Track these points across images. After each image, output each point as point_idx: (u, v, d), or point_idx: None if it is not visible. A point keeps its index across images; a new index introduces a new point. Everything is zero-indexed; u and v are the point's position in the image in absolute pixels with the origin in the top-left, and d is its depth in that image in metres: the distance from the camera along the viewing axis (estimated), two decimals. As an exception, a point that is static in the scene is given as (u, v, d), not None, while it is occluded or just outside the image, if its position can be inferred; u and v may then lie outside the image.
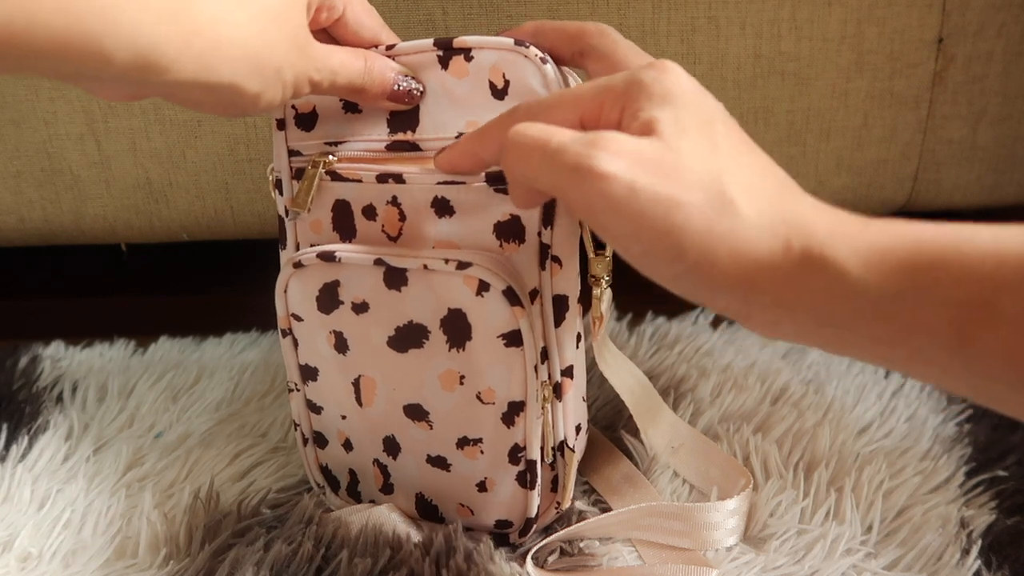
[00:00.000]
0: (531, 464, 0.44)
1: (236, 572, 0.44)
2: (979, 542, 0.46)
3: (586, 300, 0.45)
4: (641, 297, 0.69)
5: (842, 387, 0.60)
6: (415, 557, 0.44)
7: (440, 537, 0.45)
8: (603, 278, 0.44)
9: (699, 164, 0.31)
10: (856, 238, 0.29)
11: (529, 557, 0.45)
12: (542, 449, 0.45)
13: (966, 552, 0.46)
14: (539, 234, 0.42)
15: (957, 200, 0.67)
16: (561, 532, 0.47)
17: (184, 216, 0.66)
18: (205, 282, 0.68)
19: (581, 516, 0.48)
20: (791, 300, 0.30)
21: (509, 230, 0.42)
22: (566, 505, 0.47)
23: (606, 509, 0.50)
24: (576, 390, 0.46)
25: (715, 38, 0.59)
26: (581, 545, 0.47)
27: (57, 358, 0.67)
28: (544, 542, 0.47)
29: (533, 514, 0.46)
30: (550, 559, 0.46)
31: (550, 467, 0.46)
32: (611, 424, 0.56)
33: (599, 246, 0.43)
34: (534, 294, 0.43)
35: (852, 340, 0.30)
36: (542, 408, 0.43)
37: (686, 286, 0.32)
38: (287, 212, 0.46)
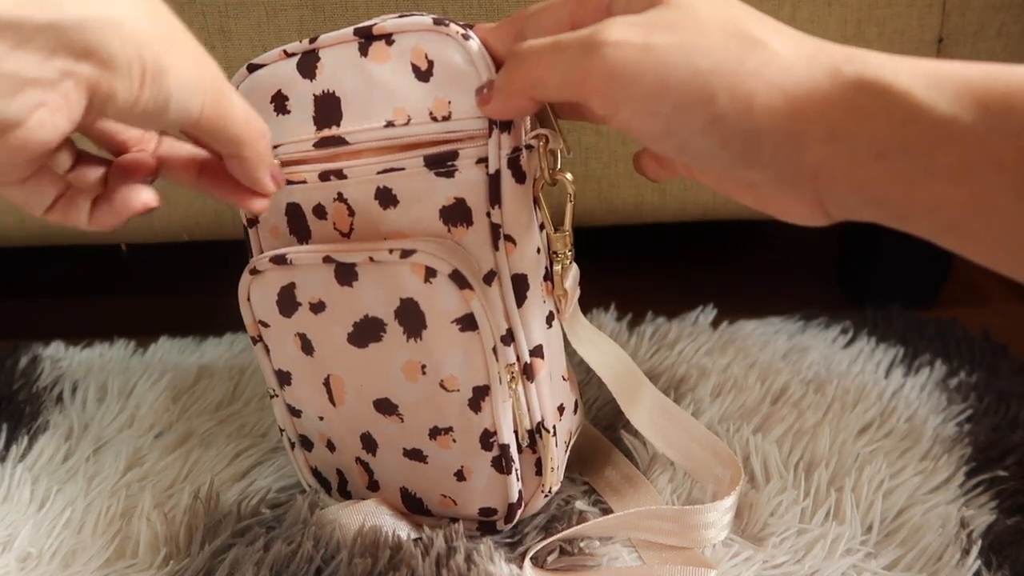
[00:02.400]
0: (504, 448, 0.44)
1: (236, 572, 0.44)
2: (979, 542, 0.46)
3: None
4: (641, 297, 0.69)
5: (842, 387, 0.60)
6: (415, 557, 0.44)
7: (440, 537, 0.45)
8: (563, 253, 0.43)
9: (715, 13, 0.30)
10: (917, 64, 0.27)
11: (528, 559, 0.45)
12: (516, 433, 0.44)
13: (966, 552, 0.46)
14: (488, 214, 0.41)
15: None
16: (560, 534, 0.47)
17: (184, 216, 0.66)
18: (205, 282, 0.69)
19: (581, 516, 0.48)
20: (847, 128, 0.27)
21: (455, 213, 0.41)
22: (553, 488, 0.46)
23: (606, 509, 0.50)
24: (551, 369, 0.45)
25: (715, 38, 0.59)
26: (581, 545, 0.47)
27: (57, 358, 0.67)
28: (543, 543, 0.47)
29: (514, 499, 0.45)
30: (550, 559, 0.46)
31: (531, 450, 0.46)
32: (611, 424, 0.56)
33: (558, 224, 0.43)
34: (491, 276, 0.42)
35: (910, 177, 0.27)
36: (510, 391, 0.43)
37: (724, 136, 0.29)
38: (248, 221, 0.47)
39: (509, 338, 0.42)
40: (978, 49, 0.61)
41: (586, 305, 0.68)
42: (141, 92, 0.32)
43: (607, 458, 0.53)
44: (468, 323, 0.41)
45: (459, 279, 0.40)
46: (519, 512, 0.46)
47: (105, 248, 0.72)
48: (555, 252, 0.43)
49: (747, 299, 0.74)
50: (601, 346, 0.49)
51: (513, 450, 0.44)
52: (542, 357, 0.44)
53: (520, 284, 0.42)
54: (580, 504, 0.49)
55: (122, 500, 0.51)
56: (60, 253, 0.76)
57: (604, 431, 0.56)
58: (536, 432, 0.45)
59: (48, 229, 0.67)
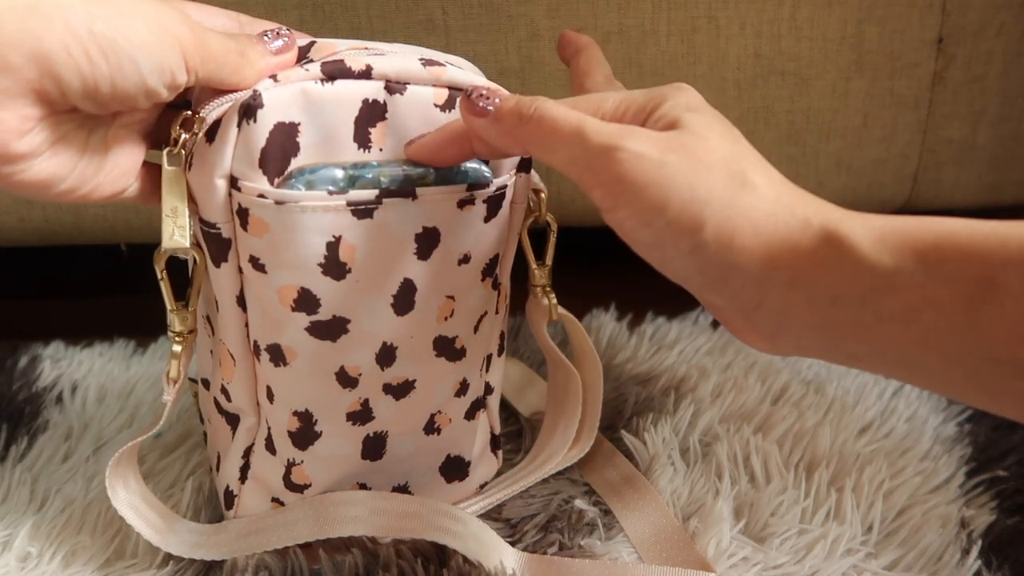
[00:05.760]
0: None
1: (236, 572, 0.44)
2: (979, 542, 0.46)
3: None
4: (641, 297, 0.69)
5: (842, 387, 0.60)
6: (414, 558, 0.44)
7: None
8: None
9: (722, 148, 0.33)
10: (869, 220, 0.31)
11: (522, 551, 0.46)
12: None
13: (966, 552, 0.46)
14: None
15: (957, 200, 0.67)
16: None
17: (184, 216, 0.66)
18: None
19: (580, 516, 0.48)
20: (807, 277, 0.31)
21: None
22: None
23: (606, 510, 0.50)
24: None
25: (715, 38, 0.59)
26: (581, 543, 0.47)
27: (57, 358, 0.67)
28: (540, 537, 0.47)
29: None
30: (549, 551, 0.46)
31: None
32: (611, 424, 0.56)
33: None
34: None
35: (862, 321, 0.30)
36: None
37: (703, 262, 0.32)
38: None
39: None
40: (978, 49, 0.61)
41: (586, 305, 0.68)
42: (94, 68, 0.32)
43: (607, 458, 0.53)
44: None
45: None
46: None
47: (105, 248, 0.71)
48: None
49: (747, 299, 0.73)
50: None
51: None
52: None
53: None
54: (580, 503, 0.49)
55: (122, 500, 0.51)
56: (60, 253, 0.76)
57: (604, 431, 0.56)
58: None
59: (48, 229, 0.67)
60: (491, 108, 0.37)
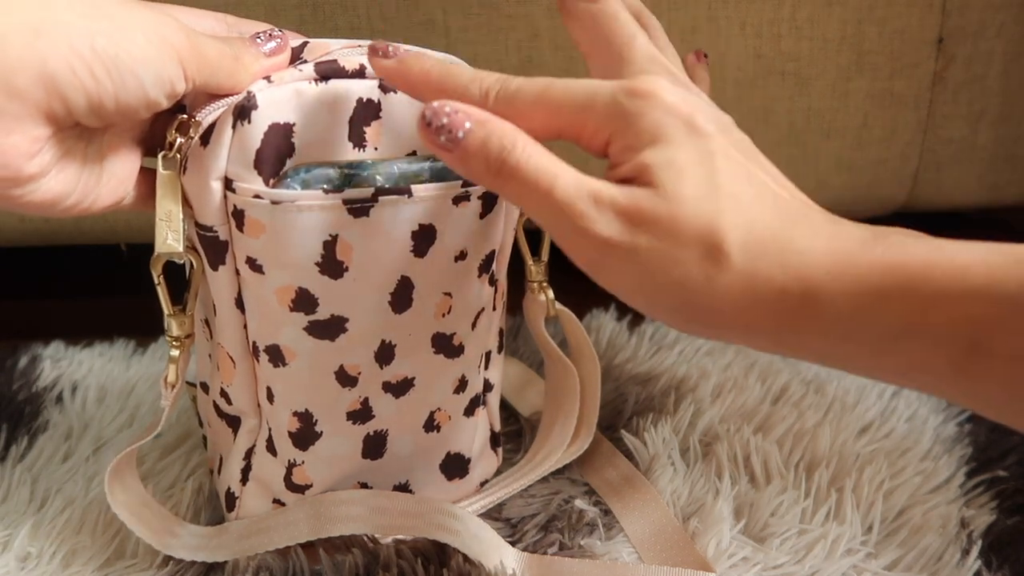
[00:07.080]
0: None
1: (237, 573, 0.44)
2: (979, 542, 0.46)
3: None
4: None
5: (842, 387, 0.60)
6: (414, 558, 0.44)
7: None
8: None
9: (697, 213, 0.31)
10: (853, 278, 0.30)
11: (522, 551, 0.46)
12: None
13: (966, 552, 0.46)
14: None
15: (957, 200, 0.67)
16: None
17: (184, 216, 0.66)
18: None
19: (580, 515, 0.48)
20: (792, 342, 0.31)
21: None
22: None
23: (606, 510, 0.50)
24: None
25: (715, 38, 0.59)
26: (581, 543, 0.47)
27: (57, 358, 0.67)
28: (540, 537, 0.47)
29: None
30: (550, 551, 0.46)
31: None
32: (611, 424, 0.56)
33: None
34: None
35: (853, 370, 0.31)
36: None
37: (691, 329, 0.33)
38: None
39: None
40: (978, 49, 0.61)
41: (586, 305, 0.68)
42: (99, 86, 0.32)
43: (607, 458, 0.53)
44: None
45: None
46: None
47: (105, 248, 0.72)
48: None
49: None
50: None
51: None
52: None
53: None
54: (580, 503, 0.49)
55: (122, 500, 0.51)
56: (60, 253, 0.76)
57: (604, 431, 0.56)
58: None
59: (48, 229, 0.67)
60: (460, 136, 0.33)
